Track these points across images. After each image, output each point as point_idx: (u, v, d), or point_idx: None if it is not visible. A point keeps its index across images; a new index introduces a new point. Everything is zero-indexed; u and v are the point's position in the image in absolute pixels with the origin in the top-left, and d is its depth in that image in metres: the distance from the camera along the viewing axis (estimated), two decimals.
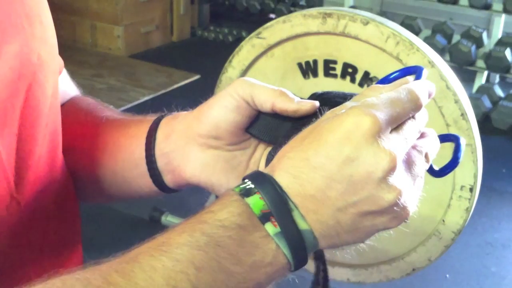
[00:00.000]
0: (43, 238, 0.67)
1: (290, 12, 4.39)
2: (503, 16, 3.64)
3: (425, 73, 0.61)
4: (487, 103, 3.34)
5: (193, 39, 4.83)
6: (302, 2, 4.66)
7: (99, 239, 2.10)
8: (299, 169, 0.53)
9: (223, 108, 0.64)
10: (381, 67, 0.87)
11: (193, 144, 0.67)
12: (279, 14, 4.47)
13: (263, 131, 0.65)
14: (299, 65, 0.92)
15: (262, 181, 0.53)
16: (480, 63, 3.53)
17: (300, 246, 0.53)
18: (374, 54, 0.86)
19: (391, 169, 0.52)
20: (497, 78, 4.00)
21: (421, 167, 0.56)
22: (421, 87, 0.57)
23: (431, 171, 0.62)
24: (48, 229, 0.68)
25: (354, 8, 3.92)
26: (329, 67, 0.90)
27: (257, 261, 0.52)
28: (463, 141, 0.61)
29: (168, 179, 0.70)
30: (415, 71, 0.61)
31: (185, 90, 3.87)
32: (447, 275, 2.30)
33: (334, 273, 1.01)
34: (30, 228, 0.64)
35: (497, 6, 3.56)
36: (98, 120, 0.77)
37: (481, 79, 3.63)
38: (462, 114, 0.84)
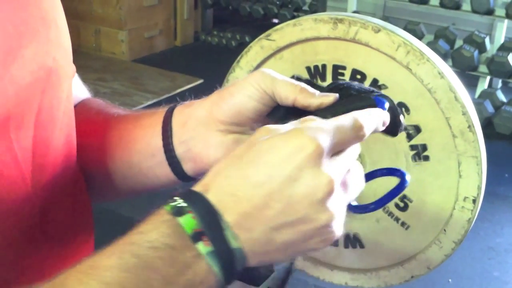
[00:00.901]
0: (55, 231, 0.68)
1: (293, 17, 4.40)
2: (506, 21, 3.64)
3: (387, 105, 0.62)
4: (489, 108, 3.35)
5: (196, 43, 4.84)
6: (305, 7, 4.67)
7: (99, 241, 2.10)
8: (237, 187, 0.53)
9: (246, 97, 0.65)
10: (390, 75, 0.87)
11: (214, 129, 0.68)
12: (282, 19, 4.48)
13: (283, 119, 0.64)
14: (308, 68, 0.92)
15: (195, 200, 0.53)
16: (483, 68, 3.54)
17: (231, 264, 0.53)
18: (384, 62, 0.86)
19: (329, 193, 0.53)
20: (499, 83, 4.00)
21: (356, 191, 0.58)
22: (370, 118, 0.58)
23: (353, 207, 0.64)
24: (61, 225, 0.69)
25: (356, 13, 3.92)
26: (337, 73, 0.90)
27: (189, 281, 0.51)
28: (408, 178, 0.63)
29: (188, 167, 0.71)
30: (380, 103, 0.62)
31: (188, 94, 3.87)
32: (450, 280, 2.31)
33: (333, 277, 1.01)
34: (45, 223, 0.65)
35: (500, 11, 3.56)
36: (110, 116, 0.77)
37: (483, 84, 3.64)
38: (469, 126, 0.85)
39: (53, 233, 0.67)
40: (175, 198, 0.53)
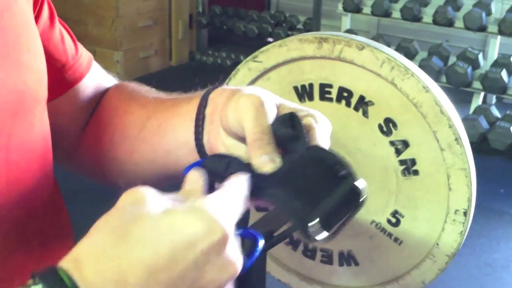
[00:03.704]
0: (33, 235, 0.68)
1: (287, 35, 4.42)
2: (499, 37, 3.67)
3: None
4: (484, 124, 3.36)
5: (191, 63, 4.86)
6: (299, 26, 4.70)
7: None
8: (128, 272, 0.45)
9: (228, 117, 0.63)
10: (376, 92, 0.88)
11: (220, 127, 0.66)
12: (277, 38, 4.50)
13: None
14: (295, 88, 0.93)
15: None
16: (477, 84, 3.55)
17: None
18: (370, 79, 0.87)
19: (234, 275, 0.50)
20: (493, 99, 4.03)
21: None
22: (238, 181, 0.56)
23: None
24: (36, 226, 0.69)
25: (350, 31, 3.95)
26: (324, 91, 0.91)
27: None
28: (261, 243, 0.55)
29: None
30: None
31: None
32: None
33: None
34: (21, 227, 0.66)
35: (492, 28, 3.59)
36: (146, 102, 0.77)
37: (477, 100, 3.65)
38: (456, 139, 0.85)
39: (28, 249, 0.67)
40: (35, 283, 0.46)
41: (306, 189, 0.57)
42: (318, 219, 0.54)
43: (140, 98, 0.80)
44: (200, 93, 0.72)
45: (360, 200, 0.58)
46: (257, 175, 0.58)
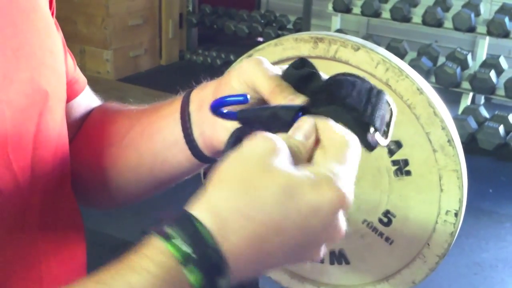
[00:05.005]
0: (48, 245, 0.70)
1: (277, 35, 4.43)
2: (487, 38, 3.69)
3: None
4: (473, 124, 3.38)
5: (181, 62, 4.86)
6: (290, 26, 4.71)
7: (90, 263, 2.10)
8: (257, 236, 0.50)
9: (232, 90, 0.63)
10: None
11: None
12: (267, 37, 4.51)
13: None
14: None
15: (205, 251, 0.49)
16: (466, 84, 3.57)
17: None
18: None
19: (342, 237, 0.54)
20: (482, 99, 4.05)
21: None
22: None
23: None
24: (54, 236, 0.71)
25: (340, 31, 3.96)
26: None
27: None
28: None
29: (205, 149, 0.71)
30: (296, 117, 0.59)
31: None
32: None
33: None
34: (40, 235, 0.68)
35: (481, 28, 3.61)
36: (130, 113, 0.79)
37: (466, 101, 3.67)
38: (448, 140, 0.86)
39: (46, 244, 0.69)
40: (176, 233, 0.49)
41: (352, 103, 0.59)
42: (375, 127, 0.59)
43: (124, 111, 0.81)
44: (181, 96, 0.74)
45: (392, 107, 0.63)
46: (302, 108, 0.59)
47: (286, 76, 0.62)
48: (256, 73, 0.62)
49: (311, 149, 0.55)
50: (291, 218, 0.51)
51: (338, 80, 0.61)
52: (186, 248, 0.49)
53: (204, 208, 0.50)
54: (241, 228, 0.50)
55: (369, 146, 0.60)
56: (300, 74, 0.62)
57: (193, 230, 0.49)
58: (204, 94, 0.70)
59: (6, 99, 0.61)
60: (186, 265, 0.48)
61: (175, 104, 0.73)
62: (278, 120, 0.58)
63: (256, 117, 0.59)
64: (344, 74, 0.62)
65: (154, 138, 0.74)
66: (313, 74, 0.62)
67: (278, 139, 0.53)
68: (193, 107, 0.71)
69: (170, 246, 0.49)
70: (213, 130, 0.68)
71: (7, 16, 0.64)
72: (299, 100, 0.60)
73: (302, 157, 0.54)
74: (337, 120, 0.58)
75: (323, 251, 0.55)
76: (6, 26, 0.63)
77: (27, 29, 0.65)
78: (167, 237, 0.49)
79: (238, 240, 0.50)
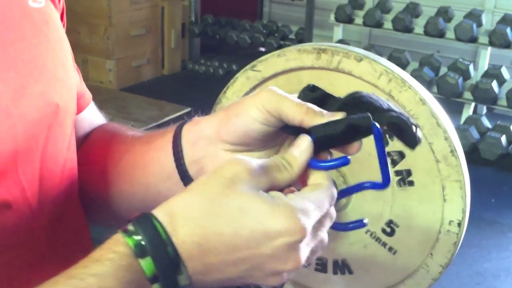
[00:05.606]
0: (57, 255, 0.70)
1: (280, 45, 4.44)
2: (489, 48, 3.70)
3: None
4: (475, 134, 3.38)
5: (184, 72, 4.87)
6: (292, 36, 4.72)
7: None
8: (210, 241, 0.54)
9: (250, 119, 0.63)
10: None
11: (222, 149, 0.67)
12: (269, 47, 4.52)
13: (296, 131, 0.63)
14: None
15: (158, 245, 0.54)
16: (467, 94, 3.58)
17: None
18: (367, 90, 0.88)
19: (298, 268, 0.56)
20: (484, 109, 4.05)
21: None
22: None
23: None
24: (62, 248, 0.71)
25: (342, 41, 3.97)
26: None
27: None
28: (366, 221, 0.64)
29: None
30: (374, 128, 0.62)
31: (176, 123, 3.87)
32: None
33: None
34: (48, 248, 0.68)
35: (483, 39, 3.62)
36: (125, 139, 0.78)
37: (468, 111, 3.68)
38: (451, 151, 0.86)
39: (55, 258, 0.69)
40: (134, 227, 0.54)
41: (389, 107, 0.63)
42: (414, 124, 0.62)
43: (120, 136, 0.80)
44: (173, 127, 0.73)
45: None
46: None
47: (304, 100, 0.64)
48: (281, 100, 0.62)
49: (300, 170, 0.59)
50: (243, 237, 0.54)
51: (357, 94, 0.64)
52: (138, 237, 0.53)
53: (162, 209, 0.56)
54: (190, 229, 0.54)
55: (416, 141, 0.62)
56: (316, 96, 0.64)
57: (148, 224, 0.54)
58: (198, 130, 0.69)
59: (17, 113, 0.61)
60: (139, 253, 0.53)
61: (167, 138, 0.72)
62: (356, 129, 0.61)
63: (331, 132, 0.61)
64: (355, 92, 0.64)
65: (146, 170, 0.74)
66: (328, 95, 0.65)
67: (252, 163, 0.56)
68: (185, 142, 0.70)
69: (127, 238, 0.54)
70: (216, 165, 0.68)
71: (19, 29, 0.64)
72: (339, 115, 0.61)
73: (282, 180, 0.58)
74: (389, 123, 0.61)
75: (284, 277, 0.57)
76: (18, 39, 0.63)
77: (39, 42, 0.66)
78: (126, 231, 0.54)
79: (185, 237, 0.54)
